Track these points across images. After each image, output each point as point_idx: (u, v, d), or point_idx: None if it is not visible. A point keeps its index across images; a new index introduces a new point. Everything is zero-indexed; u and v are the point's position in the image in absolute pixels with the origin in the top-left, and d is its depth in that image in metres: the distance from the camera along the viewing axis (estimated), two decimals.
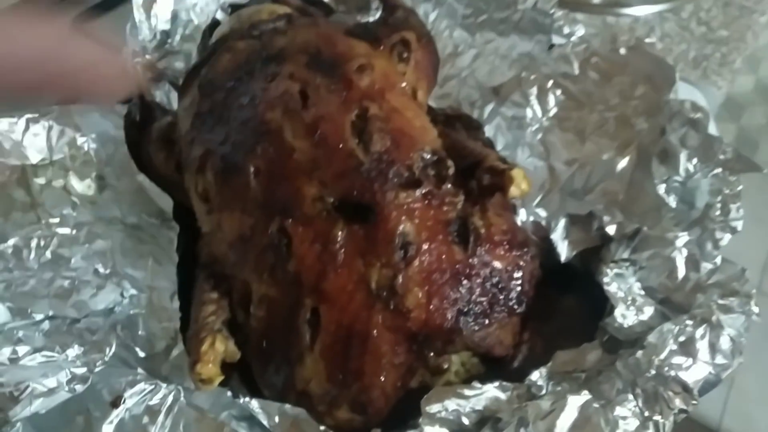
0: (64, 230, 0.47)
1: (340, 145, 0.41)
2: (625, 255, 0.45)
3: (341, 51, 0.46)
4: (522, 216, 0.48)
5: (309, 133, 0.42)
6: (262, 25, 0.49)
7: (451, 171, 0.42)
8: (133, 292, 0.45)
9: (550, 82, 0.54)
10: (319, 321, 0.38)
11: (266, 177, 0.41)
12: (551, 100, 0.54)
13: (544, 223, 0.48)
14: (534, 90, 0.54)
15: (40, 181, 0.50)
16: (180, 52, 0.61)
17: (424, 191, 0.41)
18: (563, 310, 0.45)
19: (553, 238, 0.47)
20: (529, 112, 0.54)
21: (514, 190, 0.40)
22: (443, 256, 0.39)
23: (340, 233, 0.39)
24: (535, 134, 0.53)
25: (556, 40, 0.57)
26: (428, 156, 0.42)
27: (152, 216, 0.51)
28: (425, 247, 0.39)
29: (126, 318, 0.43)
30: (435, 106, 0.58)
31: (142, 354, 0.42)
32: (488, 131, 0.55)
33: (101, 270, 0.45)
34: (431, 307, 0.38)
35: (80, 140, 0.53)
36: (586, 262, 0.48)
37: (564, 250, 0.47)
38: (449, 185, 0.42)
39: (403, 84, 0.47)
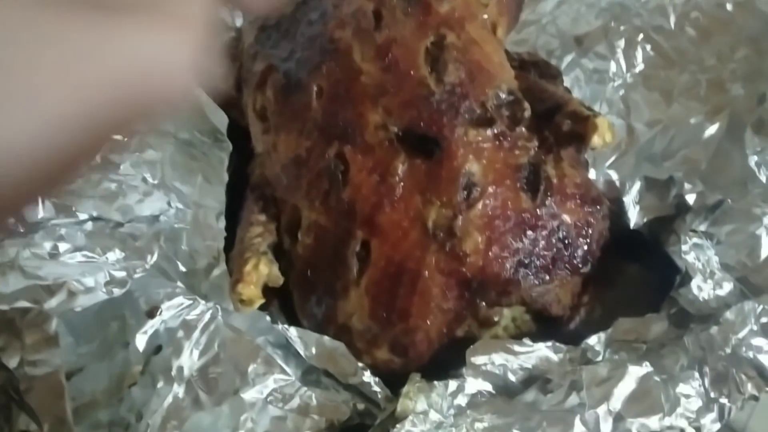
0: (116, 135, 0.46)
1: (411, 72, 0.38)
2: (702, 227, 0.42)
3: None
4: (591, 175, 0.45)
5: (379, 56, 0.39)
6: None
7: (527, 114, 0.39)
8: (180, 206, 0.43)
9: (641, 35, 0.49)
10: (369, 255, 0.36)
11: (329, 98, 0.39)
12: (639, 55, 0.49)
13: (617, 184, 0.44)
14: (621, 42, 0.50)
15: None
16: None
17: (496, 131, 0.38)
18: (627, 278, 0.42)
19: (625, 200, 0.44)
20: (612, 66, 0.50)
21: (596, 140, 0.36)
22: (509, 203, 0.36)
23: (400, 166, 0.37)
24: (616, 90, 0.49)
25: None
26: (504, 95, 0.39)
27: (204, 134, 0.49)
28: (491, 190, 0.36)
29: (170, 230, 0.41)
30: (510, 51, 0.54)
31: (183, 268, 0.41)
32: (564, 83, 0.51)
33: (149, 179, 0.43)
34: (490, 254, 0.35)
35: None
36: (656, 231, 0.44)
37: (634, 216, 0.44)
38: (523, 128, 0.38)
39: (485, 16, 0.43)
